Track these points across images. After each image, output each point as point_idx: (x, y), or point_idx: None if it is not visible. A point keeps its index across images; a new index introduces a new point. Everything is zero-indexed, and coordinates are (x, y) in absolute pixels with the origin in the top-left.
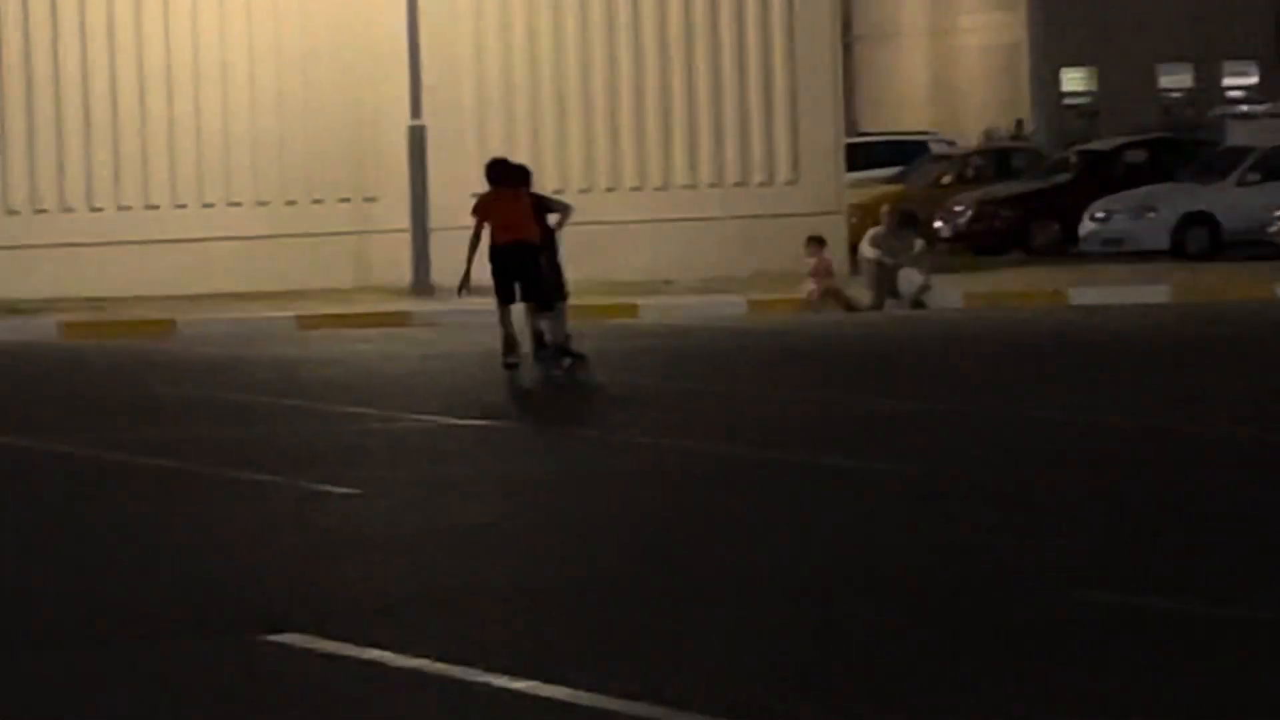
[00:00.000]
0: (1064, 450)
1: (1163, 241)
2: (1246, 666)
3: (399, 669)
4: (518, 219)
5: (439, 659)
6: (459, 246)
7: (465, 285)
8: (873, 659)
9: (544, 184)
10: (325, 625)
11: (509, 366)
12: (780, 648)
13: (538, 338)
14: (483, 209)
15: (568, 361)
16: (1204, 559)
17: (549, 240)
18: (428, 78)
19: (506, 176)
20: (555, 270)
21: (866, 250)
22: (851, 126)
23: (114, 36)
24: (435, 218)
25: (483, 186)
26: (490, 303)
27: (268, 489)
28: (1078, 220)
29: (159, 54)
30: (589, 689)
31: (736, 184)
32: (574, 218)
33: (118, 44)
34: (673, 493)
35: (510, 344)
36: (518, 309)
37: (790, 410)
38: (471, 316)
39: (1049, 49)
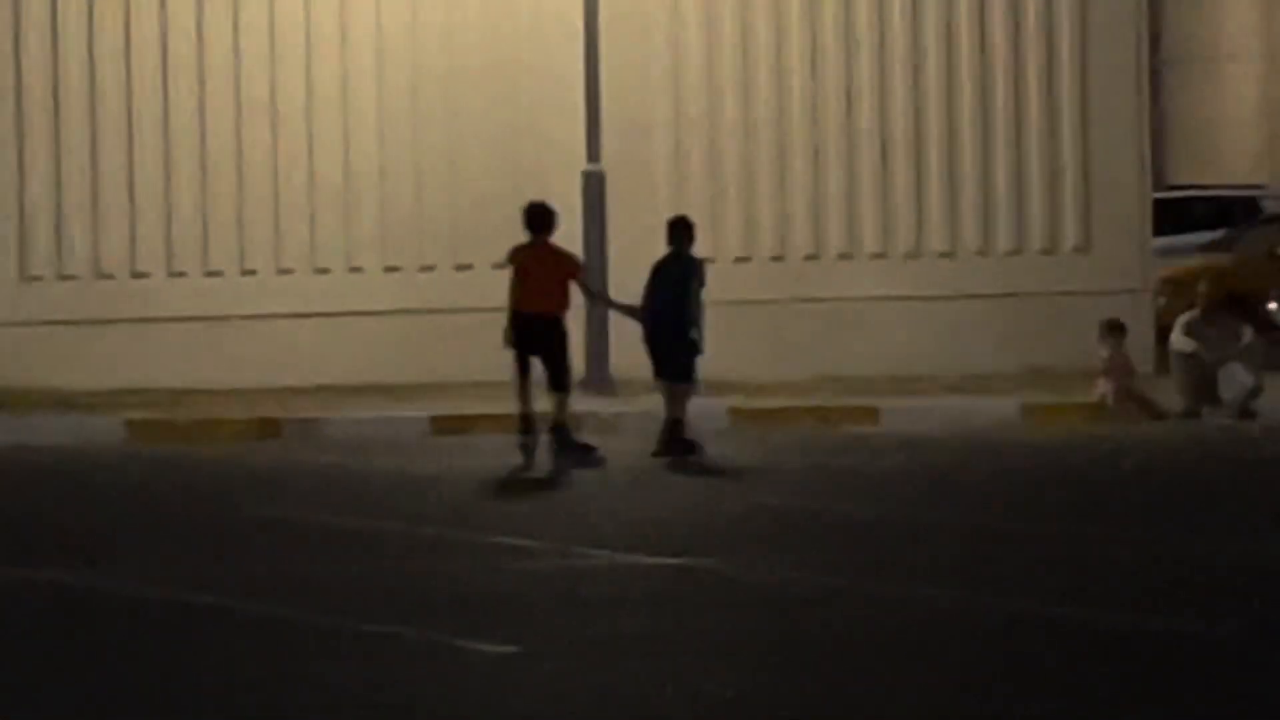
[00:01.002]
0: None
1: None
2: None
3: None
4: (544, 285)
5: None
6: (640, 329)
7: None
8: None
9: (759, 249)
10: None
11: (522, 447)
12: None
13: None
14: (516, 260)
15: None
16: None
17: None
18: (609, 112)
19: (543, 226)
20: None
21: (1180, 341)
22: (1160, 178)
23: (202, 59)
24: (614, 290)
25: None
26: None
27: (399, 644)
28: None
29: (261, 80)
30: None
31: (1009, 252)
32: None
33: (208, 68)
34: (925, 666)
35: (525, 422)
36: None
37: (1106, 555)
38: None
39: None
